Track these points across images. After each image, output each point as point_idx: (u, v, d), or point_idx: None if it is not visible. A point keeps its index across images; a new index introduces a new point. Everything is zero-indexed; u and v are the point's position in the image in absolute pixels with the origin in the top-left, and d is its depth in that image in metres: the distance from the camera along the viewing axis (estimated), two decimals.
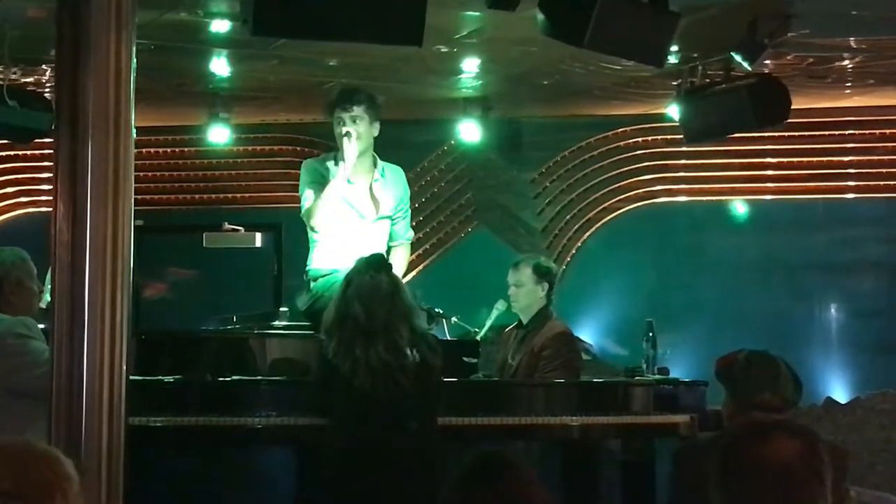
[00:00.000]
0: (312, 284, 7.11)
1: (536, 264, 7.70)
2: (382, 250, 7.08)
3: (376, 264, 6.13)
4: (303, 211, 7.08)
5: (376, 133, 7.14)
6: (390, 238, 7.27)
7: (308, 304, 7.07)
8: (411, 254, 9.62)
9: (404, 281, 6.46)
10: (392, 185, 7.24)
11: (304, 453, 6.49)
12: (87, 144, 4.54)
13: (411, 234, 7.45)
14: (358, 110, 7.03)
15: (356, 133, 7.01)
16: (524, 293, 7.59)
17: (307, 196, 7.07)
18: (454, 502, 3.27)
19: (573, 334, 7.83)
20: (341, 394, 5.89)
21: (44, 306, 5.95)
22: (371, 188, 7.15)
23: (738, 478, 3.10)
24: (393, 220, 7.26)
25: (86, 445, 4.36)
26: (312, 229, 7.08)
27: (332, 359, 5.90)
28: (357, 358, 5.83)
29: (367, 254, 6.49)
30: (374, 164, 7.20)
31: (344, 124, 7.03)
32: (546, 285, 7.59)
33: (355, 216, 7.10)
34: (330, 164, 7.13)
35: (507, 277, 7.66)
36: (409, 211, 7.44)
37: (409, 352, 5.87)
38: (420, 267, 10.82)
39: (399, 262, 7.14)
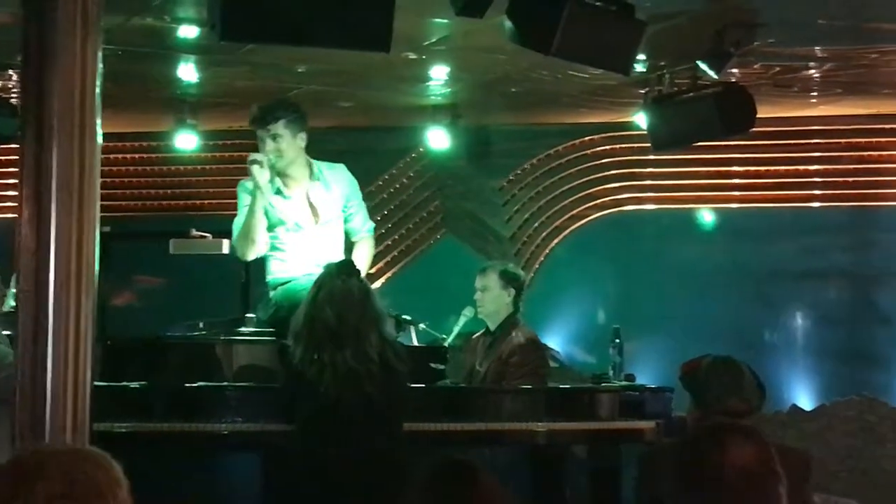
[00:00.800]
0: (271, 294, 7.11)
1: (503, 270, 7.74)
2: (339, 252, 7.08)
3: (347, 269, 6.14)
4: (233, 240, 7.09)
5: (303, 143, 7.06)
6: (349, 235, 7.26)
7: (269, 314, 7.06)
8: (379, 259, 9.63)
9: (374, 285, 6.48)
10: (335, 185, 7.19)
11: (270, 459, 6.48)
12: (53, 150, 4.53)
13: (371, 225, 7.40)
14: (275, 127, 6.98)
15: (276, 152, 6.96)
16: (490, 298, 7.61)
17: (236, 221, 7.05)
18: None
19: (540, 341, 7.86)
20: (307, 400, 5.89)
21: (6, 310, 5.93)
22: (308, 196, 7.10)
23: (696, 481, 3.12)
24: (347, 217, 7.23)
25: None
26: (243, 256, 7.07)
27: (298, 364, 5.89)
28: (324, 363, 5.83)
29: (324, 259, 6.51)
30: (310, 171, 7.14)
31: (264, 142, 7.00)
32: (512, 291, 7.63)
33: (296, 227, 7.07)
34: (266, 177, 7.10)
35: (475, 282, 7.68)
36: (363, 204, 7.38)
37: (376, 359, 5.87)
38: (388, 274, 10.82)
39: (362, 256, 7.14)
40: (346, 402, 5.81)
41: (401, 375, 5.99)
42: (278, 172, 7.02)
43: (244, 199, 7.06)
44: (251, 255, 7.04)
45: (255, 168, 6.89)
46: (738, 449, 3.09)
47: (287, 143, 6.99)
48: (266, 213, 6.97)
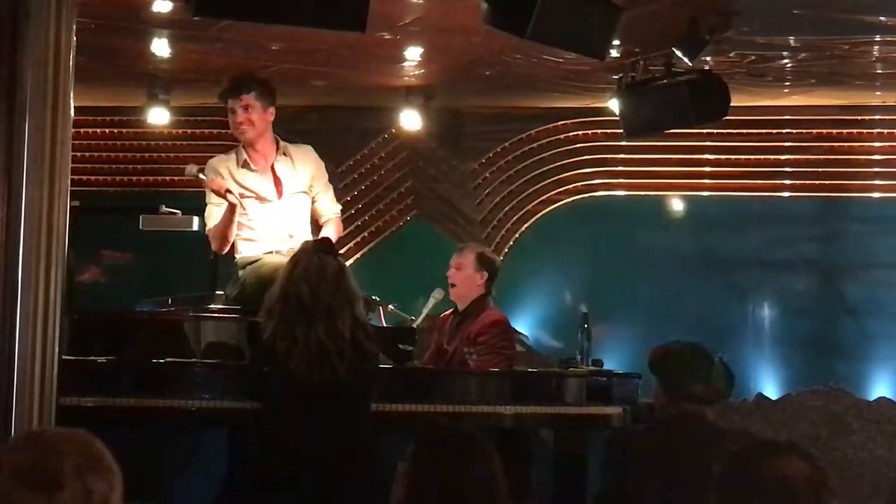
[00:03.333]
0: (240, 273, 7.14)
1: (481, 252, 7.77)
2: (306, 227, 7.12)
3: (324, 247, 6.13)
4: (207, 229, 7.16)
5: (271, 118, 7.16)
6: (316, 216, 7.30)
7: (236, 292, 7.08)
8: (349, 240, 9.63)
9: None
10: (300, 165, 7.24)
11: (238, 436, 6.48)
12: (25, 122, 4.51)
13: (337, 208, 7.46)
14: (248, 98, 7.05)
15: (249, 121, 7.04)
16: (463, 277, 7.62)
17: (209, 213, 7.12)
18: (421, 474, 3.28)
19: (508, 322, 7.87)
20: (275, 376, 5.88)
21: None
22: (273, 169, 7.17)
23: (744, 493, 3.11)
24: (313, 198, 7.27)
25: (16, 424, 4.33)
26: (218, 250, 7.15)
27: (268, 339, 5.88)
28: (296, 338, 5.83)
29: (290, 233, 6.54)
30: (277, 147, 7.21)
31: (235, 114, 7.06)
32: (485, 274, 7.63)
33: (258, 202, 7.12)
34: (230, 161, 7.15)
35: (450, 260, 7.70)
36: (329, 186, 7.42)
37: (348, 337, 5.87)
38: (358, 255, 10.80)
39: (329, 237, 7.15)
40: (315, 380, 5.81)
41: (371, 356, 6.00)
42: (246, 145, 7.08)
43: (214, 180, 7.09)
44: (225, 250, 7.12)
45: (228, 196, 6.95)
46: (789, 466, 3.10)
47: (258, 114, 7.06)
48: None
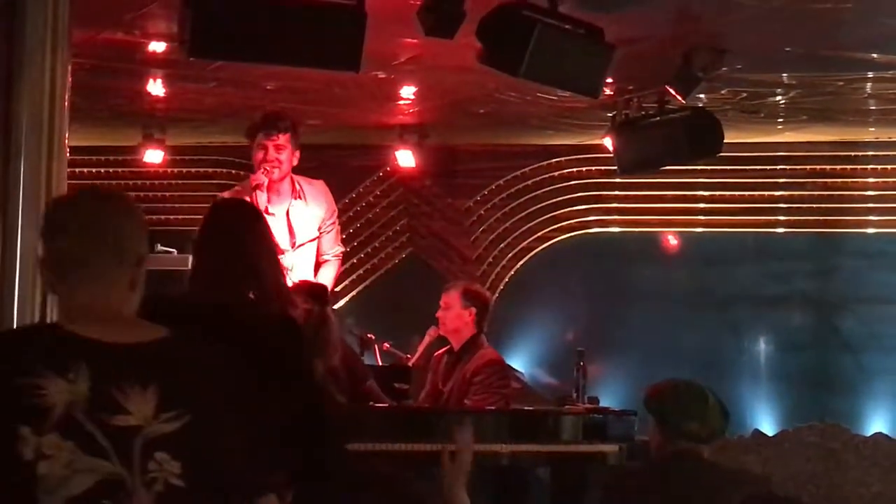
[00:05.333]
0: None
1: (466, 288, 7.73)
2: (310, 271, 7.07)
3: (313, 293, 6.07)
4: None
5: (296, 162, 7.08)
6: (317, 254, 7.25)
7: None
8: (345, 278, 9.62)
9: (339, 304, 6.43)
10: (313, 204, 7.18)
11: None
12: (20, 162, 4.52)
13: (338, 249, 7.40)
14: (283, 138, 6.96)
15: (277, 162, 6.95)
16: (451, 316, 7.60)
17: None
18: None
19: (504, 362, 7.85)
20: None
21: None
22: (288, 214, 7.09)
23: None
24: (319, 237, 7.23)
25: None
26: None
27: None
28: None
29: (293, 283, 6.50)
30: (293, 189, 7.13)
31: (265, 151, 6.95)
32: (474, 310, 7.58)
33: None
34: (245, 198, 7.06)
35: (440, 300, 7.69)
36: (335, 226, 7.37)
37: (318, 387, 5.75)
38: (353, 292, 10.80)
39: (327, 277, 7.13)
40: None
41: (338, 406, 5.83)
42: (265, 187, 6.99)
43: None
44: None
45: (256, 193, 6.87)
46: None
47: (287, 155, 6.98)
48: None
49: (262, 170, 6.98)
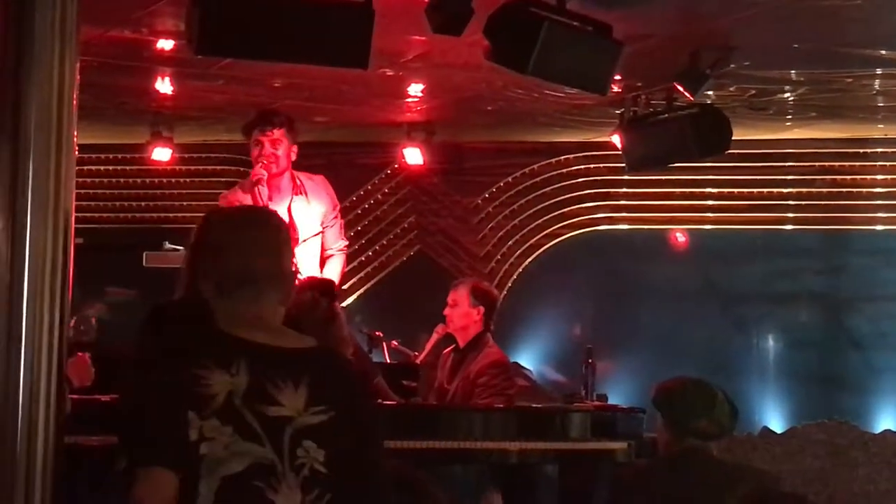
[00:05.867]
0: None
1: (475, 286, 7.70)
2: (315, 266, 7.08)
3: (322, 287, 6.07)
4: None
5: (294, 157, 7.11)
6: (321, 248, 7.27)
7: None
8: (353, 275, 9.62)
9: (347, 301, 6.42)
10: (314, 200, 7.21)
11: None
12: (28, 160, 4.51)
13: (342, 242, 7.43)
14: (278, 133, 7.01)
15: (274, 157, 6.98)
16: (459, 314, 7.57)
17: None
18: None
19: (509, 362, 7.83)
20: None
21: None
22: (290, 210, 7.12)
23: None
24: (322, 231, 7.25)
25: (21, 464, 4.32)
26: None
27: None
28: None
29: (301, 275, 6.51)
30: (293, 185, 7.17)
31: (261, 147, 7.00)
32: (482, 308, 7.56)
33: None
34: (247, 200, 7.09)
35: (448, 298, 7.67)
36: (338, 220, 7.39)
37: None
38: (361, 290, 10.81)
39: (333, 272, 7.13)
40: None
41: None
42: (264, 182, 7.03)
43: None
44: None
45: (257, 190, 6.90)
46: None
47: (284, 150, 7.04)
48: None
49: (259, 164, 7.03)
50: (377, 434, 3.29)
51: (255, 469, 3.02)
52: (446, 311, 7.64)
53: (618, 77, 7.36)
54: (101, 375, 6.53)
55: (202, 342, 3.20)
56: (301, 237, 7.14)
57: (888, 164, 10.35)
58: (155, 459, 3.05)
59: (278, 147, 7.04)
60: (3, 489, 4.27)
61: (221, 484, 3.01)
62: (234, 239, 3.33)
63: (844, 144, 10.31)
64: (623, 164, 8.74)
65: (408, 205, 11.02)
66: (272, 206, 7.06)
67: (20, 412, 4.34)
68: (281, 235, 3.38)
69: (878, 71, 7.97)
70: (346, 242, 7.56)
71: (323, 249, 7.31)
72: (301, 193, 7.18)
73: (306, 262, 7.11)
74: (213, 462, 3.01)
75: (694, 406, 4.71)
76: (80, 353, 5.73)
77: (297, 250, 7.12)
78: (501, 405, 7.31)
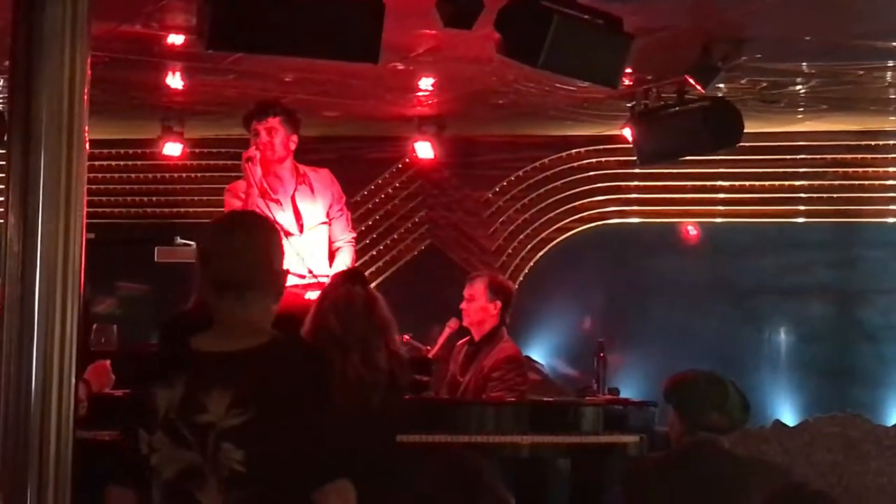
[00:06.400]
0: None
1: (492, 280, 7.69)
2: (324, 262, 7.10)
3: (353, 277, 6.07)
4: None
5: (294, 147, 7.17)
6: (329, 241, 7.29)
7: None
8: (364, 271, 9.61)
9: None
10: (319, 191, 7.24)
11: None
12: (40, 156, 4.52)
13: (349, 235, 7.43)
14: (273, 121, 7.07)
15: (270, 145, 7.04)
16: (475, 308, 7.56)
17: None
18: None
19: (522, 357, 7.82)
20: None
21: None
22: (293, 199, 7.15)
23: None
24: (329, 223, 7.27)
25: (35, 458, 4.33)
26: None
27: None
28: (333, 370, 5.69)
29: (310, 267, 6.50)
30: (297, 176, 7.20)
31: (259, 136, 7.07)
32: (499, 303, 7.56)
33: (283, 234, 7.10)
34: (252, 190, 7.12)
35: (463, 291, 7.65)
36: (345, 212, 7.42)
37: (384, 368, 5.75)
38: (372, 284, 10.75)
39: (342, 264, 7.14)
40: (348, 412, 5.69)
41: (403, 388, 5.88)
42: (267, 174, 7.08)
43: (234, 204, 7.10)
44: None
45: (248, 165, 6.96)
46: None
47: (280, 139, 7.09)
48: None
49: (254, 146, 7.09)
50: (331, 426, 3.34)
51: (185, 474, 3.26)
52: (462, 306, 7.62)
53: (629, 70, 7.34)
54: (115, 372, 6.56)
55: (163, 360, 3.52)
56: (306, 225, 7.16)
57: None
58: (113, 478, 3.41)
59: (274, 135, 7.09)
60: (17, 481, 4.29)
61: (162, 490, 3.30)
62: (222, 244, 3.47)
63: (856, 137, 10.29)
64: (634, 158, 8.73)
65: (418, 199, 11.02)
66: (276, 197, 7.10)
67: (33, 403, 4.35)
68: (268, 237, 3.53)
69: (890, 63, 7.95)
70: (354, 235, 7.57)
71: (330, 242, 7.32)
72: (305, 184, 7.21)
73: (314, 252, 7.15)
74: (157, 471, 3.30)
75: (706, 399, 4.71)
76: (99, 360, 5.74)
77: (303, 238, 7.16)
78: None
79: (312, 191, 7.22)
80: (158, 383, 3.34)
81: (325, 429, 3.31)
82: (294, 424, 3.25)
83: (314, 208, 7.21)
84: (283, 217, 7.09)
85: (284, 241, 7.02)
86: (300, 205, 7.17)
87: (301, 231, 7.15)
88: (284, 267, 3.57)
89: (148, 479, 3.31)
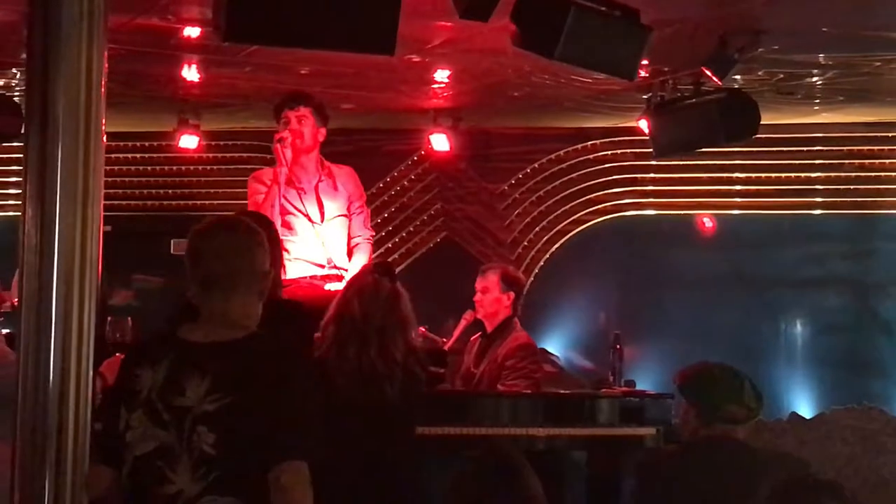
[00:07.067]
0: None
1: (504, 272, 7.72)
2: (343, 253, 7.14)
3: (382, 269, 6.08)
4: None
5: (321, 139, 7.22)
6: (348, 238, 7.34)
7: None
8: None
9: None
10: (342, 185, 7.30)
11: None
12: (57, 149, 4.53)
13: (367, 232, 7.48)
14: (304, 110, 7.15)
15: (299, 133, 7.10)
16: (489, 300, 7.60)
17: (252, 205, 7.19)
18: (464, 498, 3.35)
19: (535, 346, 7.84)
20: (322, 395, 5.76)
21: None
22: (317, 189, 7.21)
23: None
24: (349, 219, 7.32)
25: (52, 450, 4.35)
26: None
27: (320, 357, 5.78)
28: (348, 357, 5.70)
29: (328, 257, 6.54)
30: (321, 167, 7.27)
31: (288, 124, 7.13)
32: (512, 294, 7.60)
33: (305, 221, 7.17)
34: (280, 178, 7.17)
35: (475, 284, 7.68)
36: (365, 209, 7.48)
37: (400, 361, 5.76)
38: None
39: (360, 261, 7.17)
40: (363, 401, 5.70)
41: (419, 382, 5.88)
42: (293, 162, 7.13)
43: (258, 189, 7.15)
44: None
45: (278, 146, 7.03)
46: None
47: (309, 129, 7.17)
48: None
49: (284, 130, 7.13)
50: (292, 410, 3.57)
51: (159, 451, 3.56)
52: (476, 298, 7.65)
53: (645, 62, 7.31)
54: None
55: (150, 345, 3.83)
56: (327, 216, 7.21)
57: None
58: (94, 456, 3.81)
59: (304, 124, 7.17)
60: (34, 472, 4.31)
61: (133, 463, 3.59)
62: (206, 245, 3.79)
63: (873, 128, 10.26)
64: (650, 150, 8.71)
65: (434, 191, 11.02)
66: (300, 186, 7.14)
67: (50, 396, 4.37)
68: (252, 238, 3.80)
69: None
70: (372, 232, 7.63)
71: (349, 238, 7.36)
72: (329, 177, 7.28)
73: (333, 242, 7.25)
74: (131, 447, 3.59)
75: (722, 391, 4.72)
76: (116, 354, 5.76)
77: (323, 227, 7.24)
78: (528, 389, 7.31)
79: (335, 185, 7.29)
80: (143, 366, 3.65)
81: (287, 413, 3.54)
82: (262, 412, 3.51)
83: (335, 202, 7.29)
84: (307, 205, 7.16)
85: (309, 228, 7.14)
86: (322, 194, 7.25)
87: (322, 219, 7.22)
88: (266, 268, 3.79)
89: (123, 453, 3.62)
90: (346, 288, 5.98)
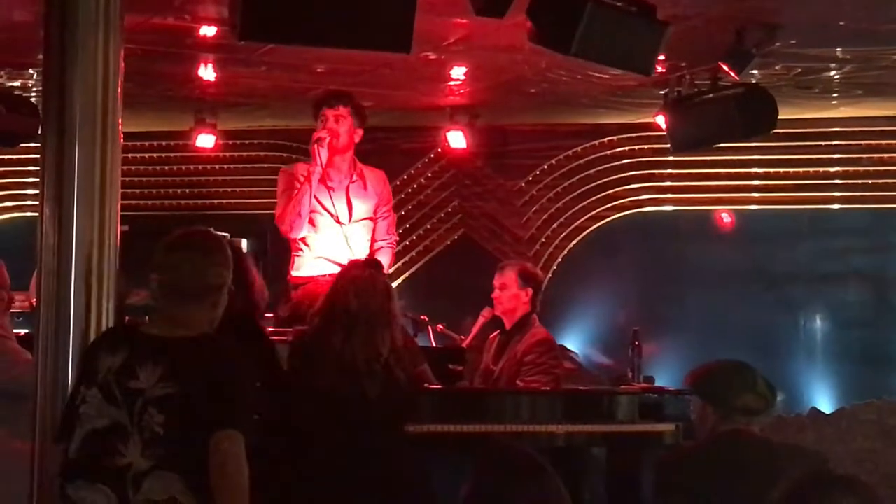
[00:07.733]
0: (293, 293, 7.14)
1: (522, 268, 7.70)
2: (365, 253, 7.14)
3: (374, 264, 6.08)
4: (276, 217, 7.22)
5: (358, 139, 7.22)
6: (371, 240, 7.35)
7: (288, 313, 7.07)
8: (398, 260, 9.64)
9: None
10: (372, 187, 7.31)
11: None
12: (74, 149, 4.54)
13: (392, 237, 7.48)
14: (344, 110, 7.14)
15: (336, 133, 7.10)
16: (507, 297, 7.57)
17: (280, 203, 7.17)
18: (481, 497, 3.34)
19: (555, 341, 7.82)
20: (301, 382, 5.72)
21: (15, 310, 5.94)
22: (348, 190, 7.22)
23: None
24: (374, 222, 7.33)
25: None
26: (286, 237, 7.21)
27: (303, 344, 5.76)
28: (332, 346, 5.66)
29: (350, 257, 6.56)
30: (354, 167, 7.27)
31: (326, 122, 7.12)
32: (530, 291, 7.57)
33: (332, 220, 7.17)
34: (315, 176, 7.16)
35: (493, 280, 7.66)
36: (391, 214, 7.49)
37: (384, 356, 5.72)
38: (406, 274, 10.81)
39: (383, 264, 7.17)
40: (341, 393, 5.66)
41: (399, 382, 5.80)
42: (327, 163, 7.13)
43: (289, 183, 7.15)
44: (296, 231, 7.12)
45: (315, 146, 7.03)
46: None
47: (346, 129, 7.16)
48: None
49: (323, 130, 7.13)
50: (235, 396, 3.99)
51: (112, 427, 3.93)
52: (494, 295, 7.63)
53: (662, 57, 7.29)
54: None
55: (114, 333, 4.35)
56: (354, 216, 7.23)
57: None
58: (57, 439, 4.11)
59: (342, 123, 7.16)
60: (53, 472, 4.31)
61: (87, 435, 3.95)
62: (167, 258, 4.23)
63: (891, 122, 10.23)
64: (668, 145, 8.69)
65: (451, 188, 11.01)
66: (330, 185, 7.15)
67: (68, 395, 4.37)
68: (209, 257, 4.22)
69: None
70: (396, 238, 7.65)
71: (373, 241, 7.37)
72: (361, 177, 7.29)
73: (357, 241, 7.27)
74: (85, 418, 3.97)
75: (736, 383, 4.72)
76: None
77: (349, 227, 7.26)
78: (548, 384, 7.30)
79: (366, 188, 7.31)
80: (104, 350, 4.06)
81: (227, 395, 3.96)
82: (205, 398, 3.91)
83: (365, 204, 7.30)
84: (337, 204, 7.18)
85: (334, 227, 7.16)
86: (353, 195, 7.26)
87: (350, 220, 7.23)
88: (220, 283, 4.18)
89: (74, 423, 4.01)
90: (339, 279, 5.92)
